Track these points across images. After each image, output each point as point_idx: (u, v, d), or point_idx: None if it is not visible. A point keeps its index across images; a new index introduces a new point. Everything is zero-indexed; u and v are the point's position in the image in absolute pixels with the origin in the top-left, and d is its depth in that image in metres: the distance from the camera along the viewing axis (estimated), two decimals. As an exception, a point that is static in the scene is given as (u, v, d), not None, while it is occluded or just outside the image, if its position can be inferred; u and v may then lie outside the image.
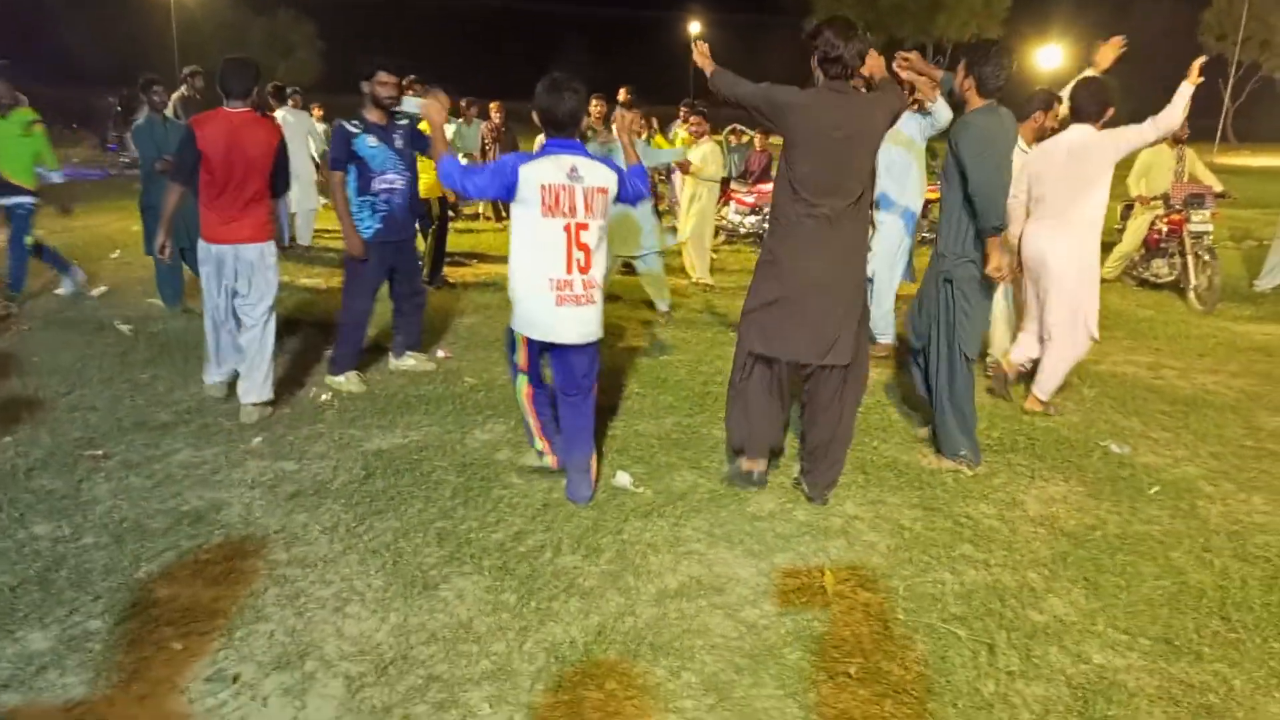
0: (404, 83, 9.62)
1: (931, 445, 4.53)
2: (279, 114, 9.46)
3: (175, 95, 8.41)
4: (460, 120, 11.65)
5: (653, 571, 3.37)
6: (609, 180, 3.78)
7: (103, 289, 7.64)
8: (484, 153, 11.69)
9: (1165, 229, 8.42)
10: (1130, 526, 3.82)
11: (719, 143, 9.75)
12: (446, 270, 8.40)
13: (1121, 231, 9.37)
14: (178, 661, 2.79)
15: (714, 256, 9.41)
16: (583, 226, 3.70)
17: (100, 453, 4.29)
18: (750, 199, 11.23)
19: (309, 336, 6.37)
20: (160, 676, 2.72)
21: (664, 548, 3.55)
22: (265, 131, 4.70)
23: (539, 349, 3.88)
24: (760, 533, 3.69)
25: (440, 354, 6.04)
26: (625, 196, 3.91)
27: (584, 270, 3.73)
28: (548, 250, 3.69)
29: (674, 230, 9.18)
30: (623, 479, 4.10)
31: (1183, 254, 8.26)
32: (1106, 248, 10.27)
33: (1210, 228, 8.06)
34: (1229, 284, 9.04)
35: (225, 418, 4.78)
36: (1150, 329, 7.25)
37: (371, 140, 5.05)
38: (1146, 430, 4.92)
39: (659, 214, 8.62)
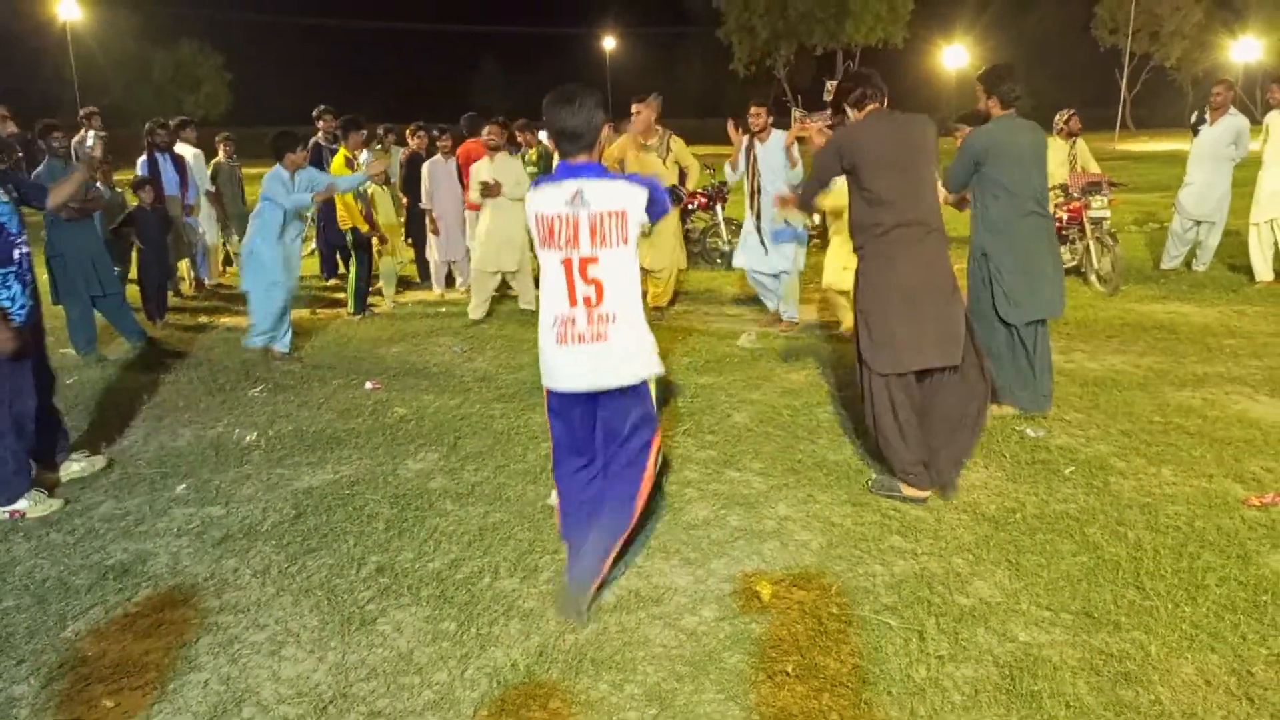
0: (314, 114, 9.64)
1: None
2: (189, 150, 9.29)
3: (75, 139, 8.19)
4: (379, 147, 11.52)
5: (591, 588, 3.40)
6: (627, 199, 3.12)
7: (11, 342, 7.38)
8: (406, 179, 11.47)
9: (1065, 217, 8.77)
10: (1048, 506, 3.97)
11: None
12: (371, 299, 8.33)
13: None
14: (109, 720, 2.73)
15: None
16: (589, 260, 3.13)
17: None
18: None
19: (233, 376, 6.26)
20: (91, 737, 2.66)
21: (601, 563, 3.57)
22: None
23: (557, 402, 3.34)
24: (696, 541, 3.75)
25: (369, 385, 5.99)
26: (655, 214, 3.24)
27: (590, 304, 3.17)
28: (550, 284, 3.22)
29: None
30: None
31: (1084, 240, 8.61)
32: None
33: (1108, 213, 8.40)
34: (1134, 266, 9.44)
35: (147, 466, 4.67)
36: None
37: (2, 195, 4.08)
38: (1060, 413, 5.12)
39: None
